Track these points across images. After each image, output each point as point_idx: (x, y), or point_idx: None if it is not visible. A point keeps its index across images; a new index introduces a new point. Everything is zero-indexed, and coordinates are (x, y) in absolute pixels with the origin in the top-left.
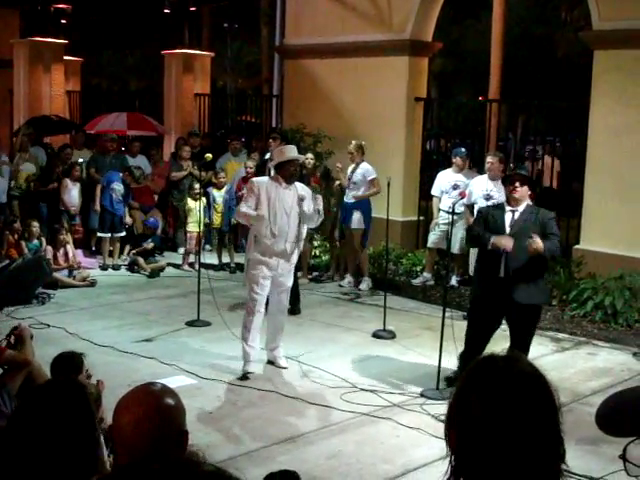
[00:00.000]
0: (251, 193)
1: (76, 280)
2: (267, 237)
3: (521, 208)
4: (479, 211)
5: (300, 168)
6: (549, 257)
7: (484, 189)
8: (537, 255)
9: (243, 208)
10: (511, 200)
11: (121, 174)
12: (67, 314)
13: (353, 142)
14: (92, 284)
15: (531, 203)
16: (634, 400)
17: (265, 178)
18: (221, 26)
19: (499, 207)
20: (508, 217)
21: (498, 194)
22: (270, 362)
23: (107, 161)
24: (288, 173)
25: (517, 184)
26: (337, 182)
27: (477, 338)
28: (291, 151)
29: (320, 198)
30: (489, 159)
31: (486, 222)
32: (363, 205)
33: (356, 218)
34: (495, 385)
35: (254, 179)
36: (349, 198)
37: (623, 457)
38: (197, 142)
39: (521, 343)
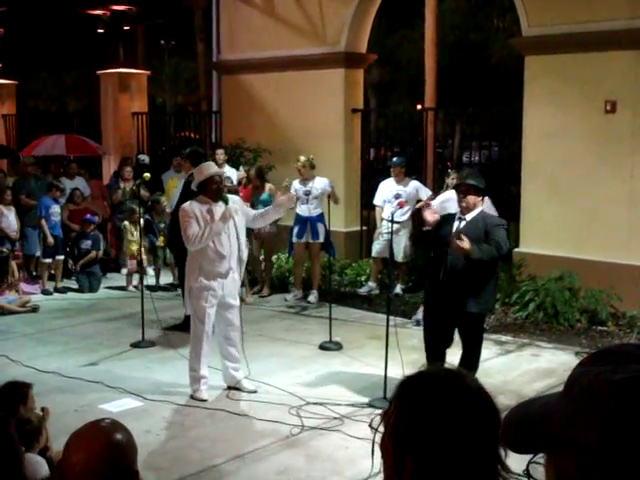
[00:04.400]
0: (188, 218)
1: (17, 306)
2: (214, 259)
3: (469, 217)
4: (441, 217)
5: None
6: (487, 259)
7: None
8: (478, 262)
9: (192, 230)
10: (462, 209)
11: (50, 196)
12: (9, 341)
13: (302, 157)
14: (34, 309)
15: (482, 211)
16: (539, 412)
17: (191, 203)
18: (157, 43)
19: (451, 217)
20: (455, 225)
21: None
22: (230, 388)
23: (32, 185)
24: (213, 190)
25: (461, 194)
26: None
27: (431, 344)
28: (210, 168)
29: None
30: (453, 175)
31: (436, 229)
32: (322, 218)
33: (322, 231)
34: (439, 401)
35: (183, 206)
36: (310, 212)
37: (527, 474)
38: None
39: (469, 351)
